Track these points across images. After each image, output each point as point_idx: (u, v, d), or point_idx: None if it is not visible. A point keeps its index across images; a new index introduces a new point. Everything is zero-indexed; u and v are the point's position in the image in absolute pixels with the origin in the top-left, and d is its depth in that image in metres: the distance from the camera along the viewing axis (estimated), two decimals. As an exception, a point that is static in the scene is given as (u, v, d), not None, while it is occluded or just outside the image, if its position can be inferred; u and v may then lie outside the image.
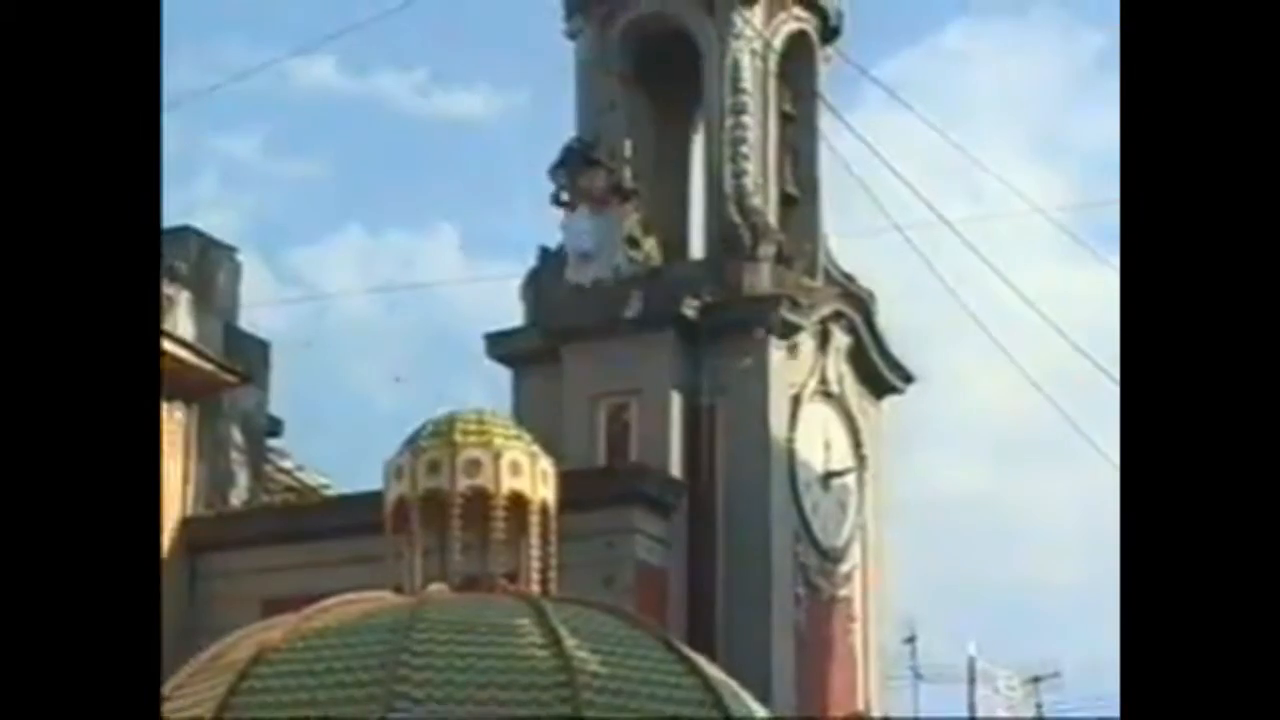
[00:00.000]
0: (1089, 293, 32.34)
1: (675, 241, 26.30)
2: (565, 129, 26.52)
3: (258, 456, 27.00)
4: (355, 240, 54.91)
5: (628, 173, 25.33)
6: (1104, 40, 57.11)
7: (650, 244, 25.44)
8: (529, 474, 19.60)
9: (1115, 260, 30.79)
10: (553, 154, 27.91)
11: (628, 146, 26.02)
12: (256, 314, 27.35)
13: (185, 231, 26.22)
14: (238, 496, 26.18)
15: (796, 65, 26.54)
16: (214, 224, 27.35)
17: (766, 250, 25.00)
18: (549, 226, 26.72)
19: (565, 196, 25.41)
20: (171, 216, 24.30)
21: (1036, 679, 24.94)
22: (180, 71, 45.66)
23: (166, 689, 19.23)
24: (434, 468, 19.49)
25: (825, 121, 26.90)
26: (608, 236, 25.34)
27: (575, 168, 25.33)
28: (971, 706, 24.34)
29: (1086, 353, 25.94)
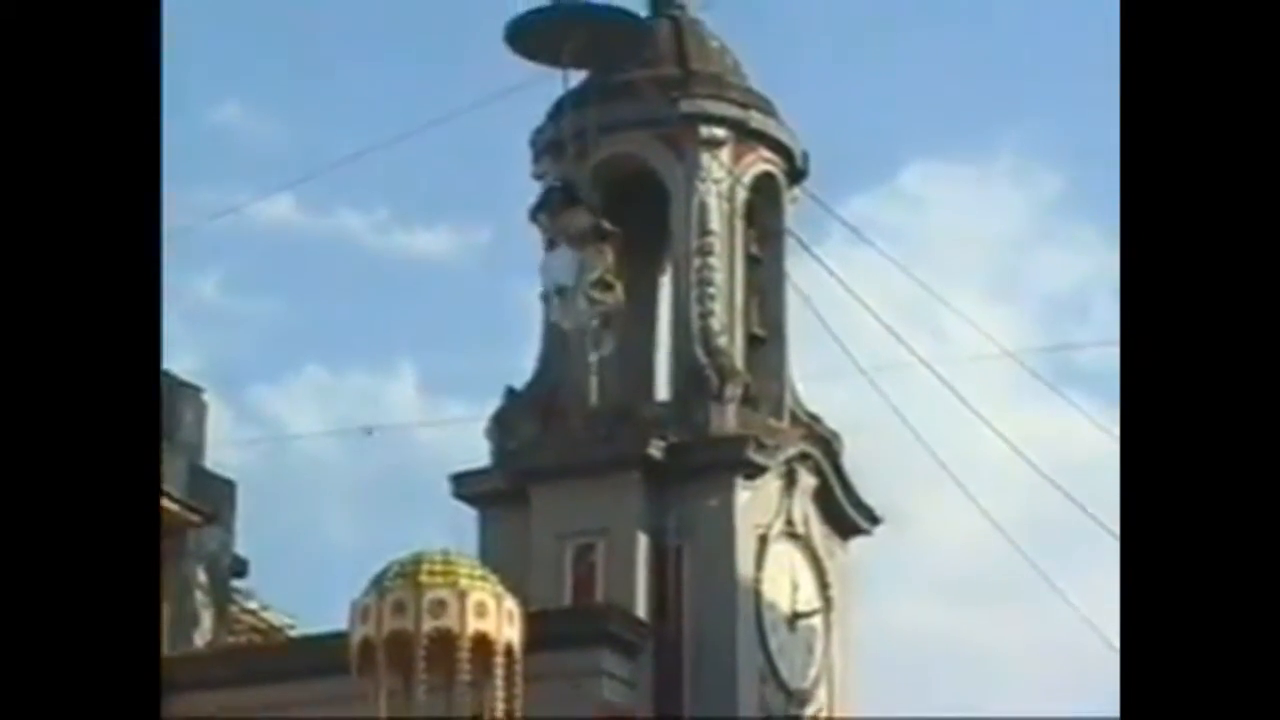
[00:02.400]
0: (1052, 433, 32.30)
1: (642, 381, 26.09)
2: (529, 268, 26.11)
3: (222, 597, 26.67)
4: (316, 378, 54.00)
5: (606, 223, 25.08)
6: (1062, 183, 57.42)
7: (618, 289, 24.85)
8: (495, 615, 19.60)
9: (1080, 402, 27.82)
10: (516, 291, 27.66)
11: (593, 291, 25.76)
12: (221, 453, 27.23)
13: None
14: (202, 637, 25.88)
15: (763, 206, 26.36)
16: (175, 362, 26.84)
17: (733, 391, 24.65)
18: (512, 365, 26.67)
19: (549, 236, 25.16)
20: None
21: None
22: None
23: None
24: (399, 608, 19.49)
25: (791, 263, 26.55)
26: (582, 277, 24.90)
27: (557, 207, 24.98)
28: None
29: (1063, 489, 25.68)
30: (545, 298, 25.34)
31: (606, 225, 25.01)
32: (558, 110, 25.18)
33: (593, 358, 25.44)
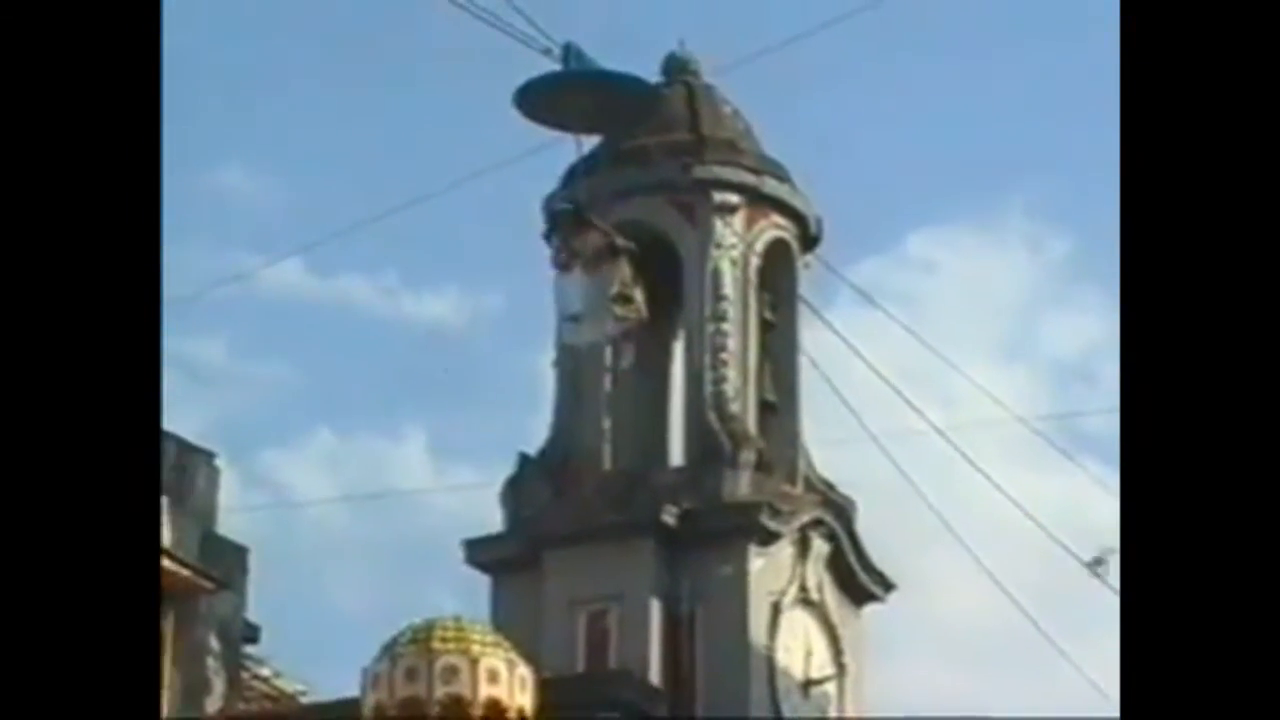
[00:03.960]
0: (1060, 498, 32.45)
1: (655, 447, 26.12)
2: (540, 334, 26.42)
3: (234, 663, 26.21)
4: (324, 443, 54.14)
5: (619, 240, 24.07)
6: (1069, 247, 56.70)
7: (639, 301, 23.91)
8: (507, 681, 18.55)
9: (1090, 467, 26.52)
10: (526, 357, 27.43)
11: (608, 353, 25.67)
12: (233, 518, 26.99)
13: (163, 437, 25.03)
14: (213, 704, 25.40)
15: (776, 272, 26.37)
16: (185, 427, 26.62)
17: (746, 457, 24.63)
18: (523, 431, 26.70)
19: (562, 259, 24.30)
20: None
21: None
22: None
23: None
24: (411, 675, 18.62)
25: (804, 329, 26.53)
26: (599, 297, 24.02)
27: (569, 230, 24.32)
28: None
29: (1073, 552, 25.62)
30: (559, 323, 24.97)
31: (620, 242, 24.31)
32: (570, 176, 24.86)
33: (606, 424, 25.73)
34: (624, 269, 23.70)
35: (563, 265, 24.14)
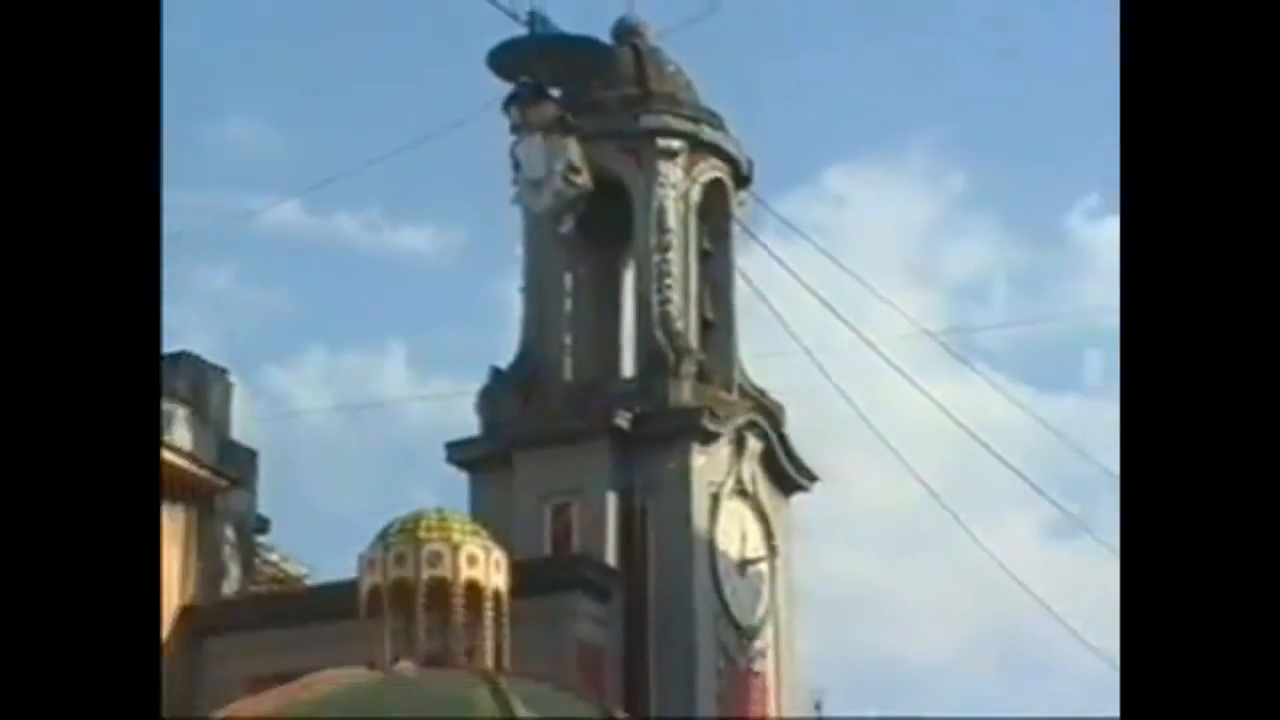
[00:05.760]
0: (961, 399, 32.16)
1: (610, 361, 26.83)
2: (506, 263, 27.20)
3: (248, 551, 27.00)
4: (319, 360, 55.28)
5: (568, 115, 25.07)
6: (963, 182, 58.23)
7: (585, 176, 25.14)
8: (484, 565, 20.20)
9: (984, 373, 27.04)
10: (494, 283, 27.91)
11: (568, 279, 26.50)
12: (244, 427, 27.36)
13: (182, 356, 26.60)
14: (230, 586, 26.39)
15: (713, 208, 26.75)
16: (201, 347, 27.88)
17: (688, 368, 25.34)
18: (491, 348, 27.48)
19: (520, 125, 24.97)
20: (167, 340, 26.12)
21: None
22: (171, 215, 47.38)
23: None
24: (401, 560, 20.08)
25: (739, 257, 26.90)
26: (553, 165, 25.14)
27: (527, 100, 25.05)
28: None
29: (985, 444, 26.77)
30: (519, 188, 25.43)
31: (570, 119, 25.23)
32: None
33: (567, 340, 26.26)
34: (574, 147, 24.87)
35: (517, 131, 25.01)
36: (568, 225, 25.41)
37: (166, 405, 24.89)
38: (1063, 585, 39.62)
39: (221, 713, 20.56)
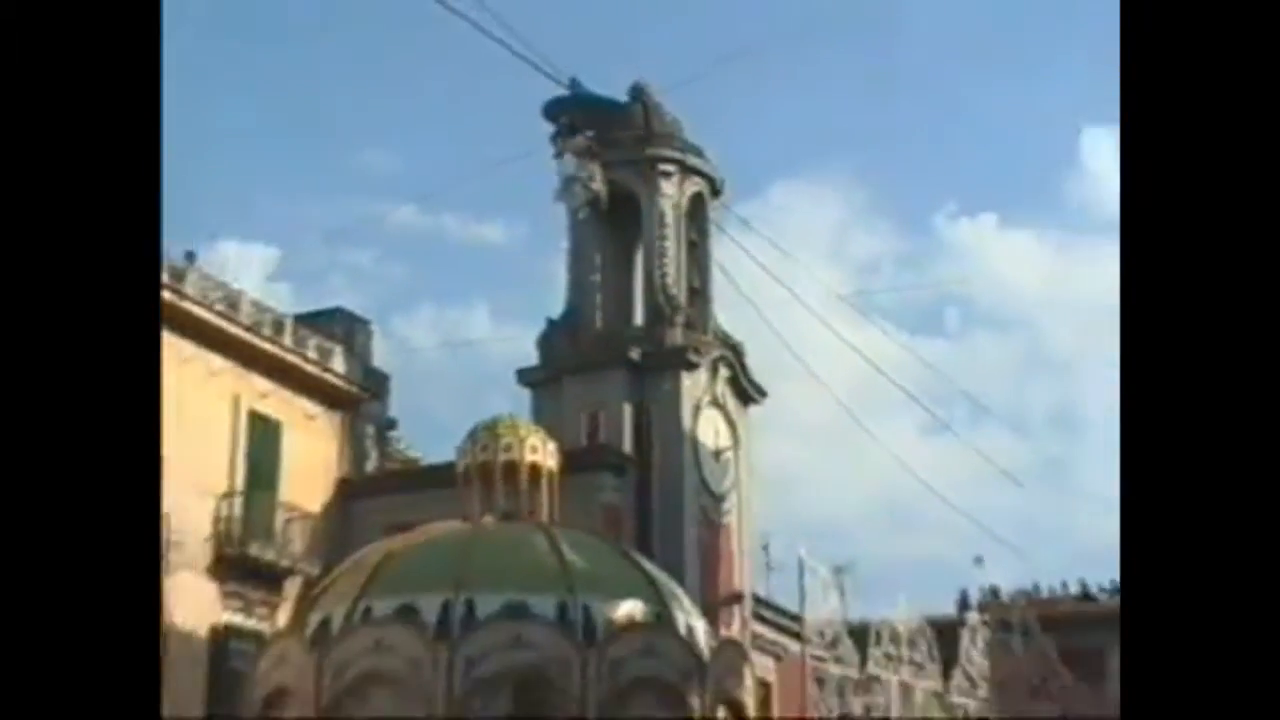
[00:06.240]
0: (863, 342, 35.80)
1: (625, 315, 27.96)
2: (559, 247, 28.20)
3: (382, 441, 28.47)
4: (428, 314, 61.17)
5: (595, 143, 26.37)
6: (866, 194, 64.68)
7: (600, 185, 26.43)
8: (541, 452, 20.95)
9: (882, 324, 33.33)
10: (546, 260, 29.36)
11: (597, 259, 27.69)
12: (380, 357, 28.93)
13: (338, 310, 28.57)
14: (371, 465, 27.87)
15: (696, 212, 28.17)
16: (353, 305, 29.28)
17: (679, 319, 26.81)
18: (547, 304, 28.46)
19: (560, 149, 26.24)
20: (329, 300, 27.93)
21: (839, 569, 24.64)
22: (331, 215, 50.15)
23: (327, 580, 20.59)
24: (485, 448, 20.82)
25: (714, 246, 28.28)
26: (578, 176, 26.26)
27: (565, 135, 26.12)
28: (801, 587, 24.14)
29: (884, 372, 28.44)
30: (558, 188, 26.48)
31: (594, 147, 26.48)
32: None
33: (597, 300, 27.30)
34: (594, 167, 26.50)
35: (560, 153, 26.65)
36: (585, 213, 26.53)
37: (327, 344, 27.07)
38: (933, 467, 44.11)
39: (365, 550, 20.62)
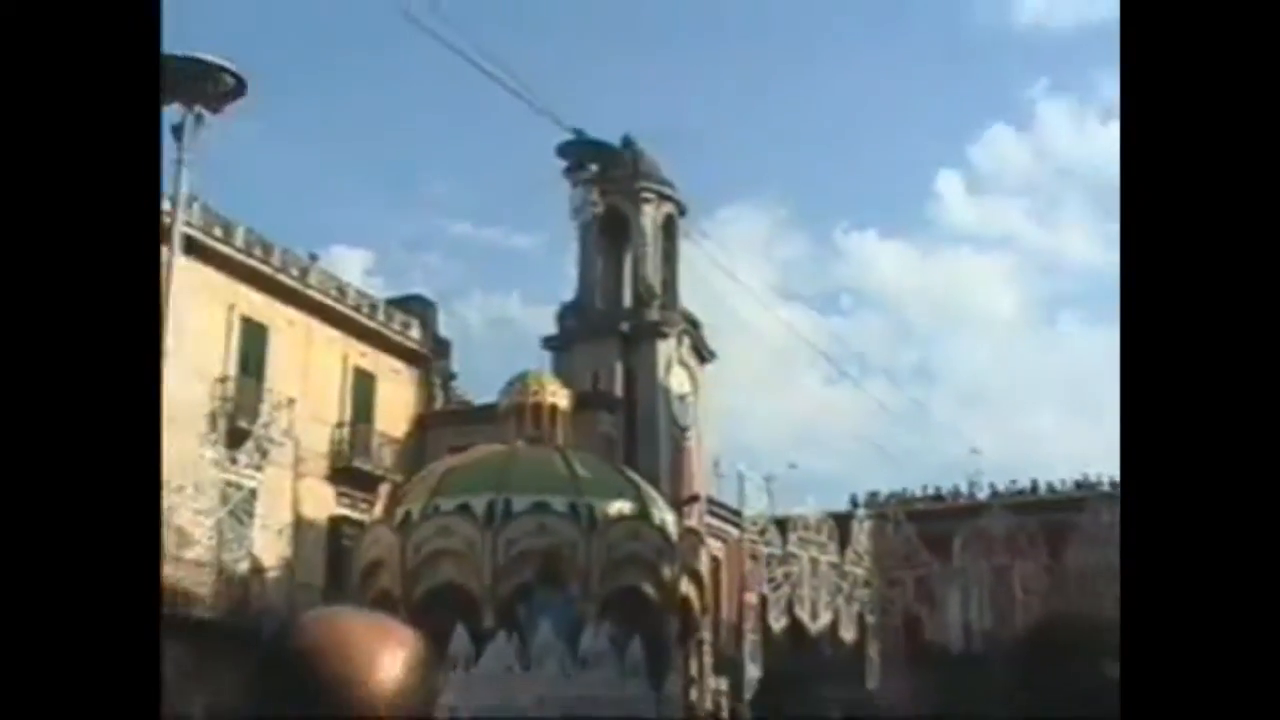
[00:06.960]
0: (788, 317, 39.65)
1: (618, 299, 28.57)
2: (571, 251, 28.70)
3: (447, 388, 29.34)
4: (476, 299, 62.21)
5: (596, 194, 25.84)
6: (787, 212, 66.06)
7: (601, 207, 26.10)
8: (559, 396, 21.98)
9: (801, 303, 36.48)
10: (562, 260, 30.89)
11: (599, 259, 28.31)
12: (444, 327, 29.66)
13: (416, 296, 29.43)
14: (438, 404, 28.69)
15: (669, 226, 28.94)
16: (425, 290, 31.62)
17: (656, 303, 27.76)
18: (562, 291, 29.20)
19: (573, 181, 25.69)
20: (409, 288, 28.78)
21: (768, 478, 22.16)
22: (403, 227, 50.53)
23: (408, 485, 21.31)
24: (520, 393, 21.87)
25: (682, 249, 28.91)
26: (585, 200, 25.88)
27: (574, 169, 25.71)
28: (741, 491, 22.20)
29: (802, 337, 32.43)
30: (571, 208, 26.06)
31: (597, 180, 25.89)
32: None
33: (597, 289, 27.60)
34: (598, 194, 26.60)
35: (573, 184, 26.47)
36: (589, 227, 26.85)
37: (408, 319, 27.94)
38: (835, 407, 46.29)
39: (434, 465, 21.59)
